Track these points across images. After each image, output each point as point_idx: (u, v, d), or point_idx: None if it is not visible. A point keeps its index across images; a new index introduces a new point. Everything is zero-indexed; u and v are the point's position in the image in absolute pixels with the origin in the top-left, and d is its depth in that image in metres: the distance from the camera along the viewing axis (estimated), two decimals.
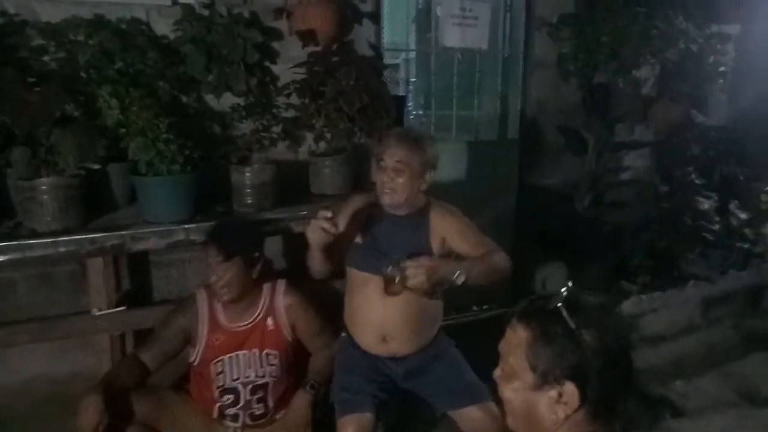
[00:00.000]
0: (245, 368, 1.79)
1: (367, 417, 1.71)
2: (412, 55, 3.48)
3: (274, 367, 1.82)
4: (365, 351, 1.84)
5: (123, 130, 1.88)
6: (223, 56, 2.11)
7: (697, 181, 3.36)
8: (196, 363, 1.80)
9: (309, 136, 2.33)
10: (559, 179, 3.15)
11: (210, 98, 2.21)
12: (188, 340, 1.81)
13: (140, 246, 1.83)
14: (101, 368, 1.88)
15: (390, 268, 1.65)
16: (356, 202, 1.88)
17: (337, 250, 1.78)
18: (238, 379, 1.79)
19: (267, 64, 2.28)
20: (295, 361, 1.89)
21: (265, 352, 1.81)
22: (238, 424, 1.82)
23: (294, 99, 2.30)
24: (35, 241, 1.70)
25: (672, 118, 3.37)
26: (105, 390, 1.58)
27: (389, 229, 1.82)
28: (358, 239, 1.84)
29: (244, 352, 1.80)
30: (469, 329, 2.29)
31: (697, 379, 2.53)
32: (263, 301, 1.83)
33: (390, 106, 2.35)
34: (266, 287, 1.85)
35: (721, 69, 3.35)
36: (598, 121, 3.10)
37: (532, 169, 3.16)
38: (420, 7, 3.08)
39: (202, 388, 1.82)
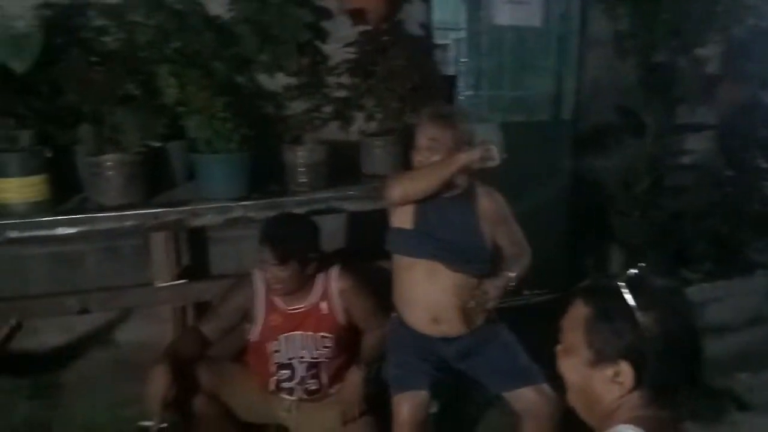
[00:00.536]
0: (300, 348, 1.82)
1: (423, 394, 1.71)
2: (463, 34, 3.41)
3: (328, 349, 1.83)
4: (417, 331, 1.83)
5: (181, 109, 1.92)
6: (275, 36, 2.13)
7: (764, 166, 3.18)
8: (254, 340, 1.84)
9: (360, 117, 2.33)
10: (616, 162, 3.03)
11: (263, 78, 2.23)
12: (246, 317, 1.84)
13: (199, 222, 1.88)
14: (164, 337, 1.95)
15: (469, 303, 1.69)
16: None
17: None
18: (293, 357, 1.82)
19: (318, 43, 2.29)
20: (349, 342, 1.90)
21: (320, 334, 1.83)
22: (294, 398, 1.85)
23: (345, 79, 2.30)
24: (102, 214, 1.77)
25: (737, 99, 3.19)
26: (172, 360, 1.63)
27: (434, 212, 1.79)
28: (401, 223, 1.81)
29: (300, 333, 1.82)
30: (521, 313, 2.25)
31: (764, 373, 2.43)
32: (318, 287, 1.84)
33: (440, 86, 2.32)
34: (320, 272, 1.85)
35: None
36: (657, 102, 2.96)
37: (588, 151, 3.05)
38: None
39: (260, 362, 1.85)
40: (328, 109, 2.33)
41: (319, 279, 1.85)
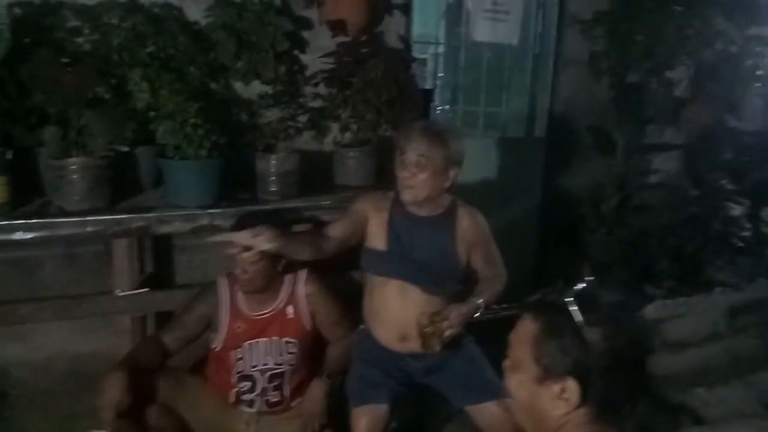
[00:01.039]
0: (264, 355, 1.80)
1: (382, 408, 1.71)
2: (441, 48, 3.45)
3: (292, 355, 1.82)
4: (384, 347, 1.82)
5: (152, 114, 1.89)
6: (253, 43, 2.12)
7: (728, 187, 3.27)
8: (217, 349, 1.82)
9: (335, 127, 2.33)
10: (586, 179, 3.09)
11: (238, 85, 2.22)
12: (209, 326, 1.82)
13: (165, 229, 1.85)
14: (122, 348, 1.90)
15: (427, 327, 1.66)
16: (365, 201, 1.84)
17: (324, 239, 1.75)
18: (256, 366, 1.80)
19: (296, 52, 2.28)
20: (313, 351, 1.90)
21: (284, 340, 1.82)
22: (254, 410, 1.83)
23: (321, 89, 2.30)
24: (63, 219, 1.72)
25: (705, 121, 3.27)
26: (128, 369, 1.60)
27: (411, 231, 1.77)
28: (376, 243, 1.79)
29: (264, 339, 1.81)
30: (489, 327, 2.27)
31: (720, 388, 2.48)
32: (285, 290, 1.84)
33: (417, 100, 2.34)
34: (288, 276, 1.85)
35: (759, 72, 3.25)
36: (628, 122, 3.03)
37: (559, 169, 3.11)
38: (451, 0, 3.05)
39: (221, 372, 1.83)
40: (303, 118, 2.32)
41: (287, 282, 1.84)
